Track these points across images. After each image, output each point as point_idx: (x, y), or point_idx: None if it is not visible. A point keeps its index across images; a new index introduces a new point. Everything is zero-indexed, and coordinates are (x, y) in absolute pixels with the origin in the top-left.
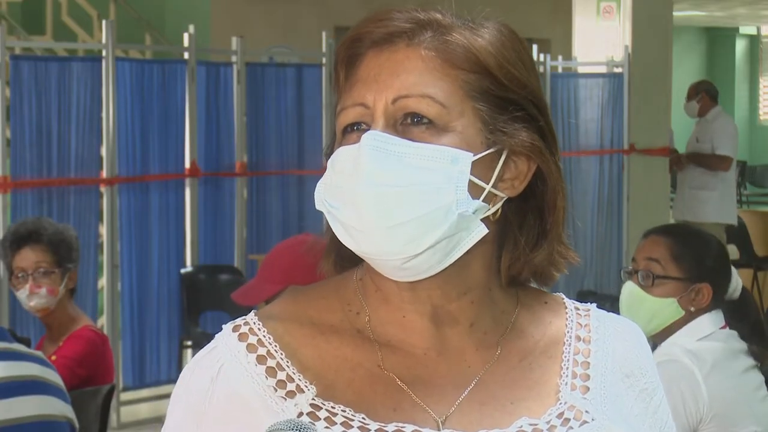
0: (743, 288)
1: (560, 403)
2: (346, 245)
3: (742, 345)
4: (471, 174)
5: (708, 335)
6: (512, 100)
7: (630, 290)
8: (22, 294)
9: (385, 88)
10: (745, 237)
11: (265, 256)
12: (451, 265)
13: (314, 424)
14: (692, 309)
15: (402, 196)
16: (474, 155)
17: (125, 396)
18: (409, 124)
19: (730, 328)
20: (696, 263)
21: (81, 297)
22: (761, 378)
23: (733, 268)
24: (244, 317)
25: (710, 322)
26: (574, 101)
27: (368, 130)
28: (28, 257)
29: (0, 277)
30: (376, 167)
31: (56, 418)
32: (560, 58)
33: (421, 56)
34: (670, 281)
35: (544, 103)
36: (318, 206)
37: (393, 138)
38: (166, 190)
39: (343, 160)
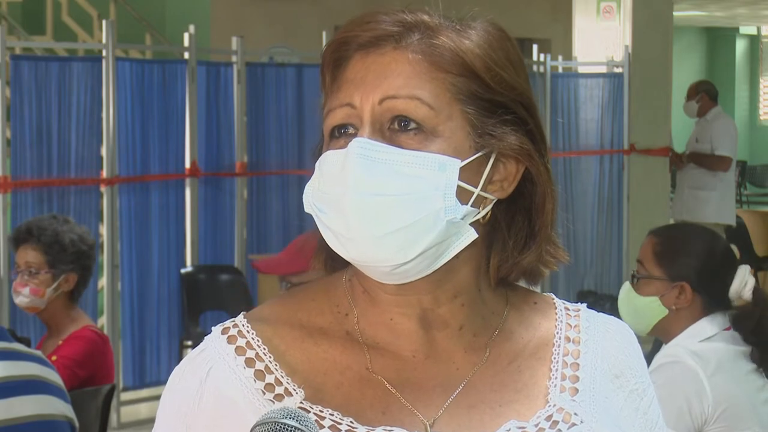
0: (757, 289)
1: (549, 406)
2: (334, 250)
3: (746, 347)
4: (459, 179)
5: (711, 336)
6: (500, 103)
7: (625, 290)
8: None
9: (372, 89)
10: (745, 237)
11: (298, 238)
12: (440, 269)
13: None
14: (674, 307)
15: (390, 204)
16: (462, 161)
17: (125, 396)
18: (396, 129)
19: (736, 330)
20: (674, 262)
21: (81, 297)
22: (764, 381)
23: (742, 268)
24: (233, 319)
25: (713, 324)
26: (574, 101)
27: (355, 135)
28: (21, 255)
29: (0, 277)
30: (363, 176)
31: (56, 417)
32: (560, 58)
33: (408, 59)
34: (653, 280)
35: (534, 104)
36: (307, 209)
37: (380, 145)
38: (166, 190)
39: (330, 164)
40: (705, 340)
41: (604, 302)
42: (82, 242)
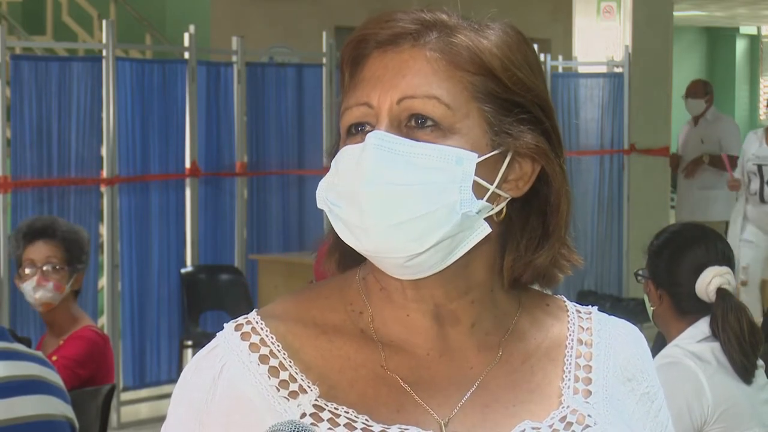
0: (721, 290)
1: (563, 407)
2: (348, 243)
3: None
4: (476, 175)
5: (708, 336)
6: (517, 103)
7: None
8: (27, 286)
9: (390, 88)
10: None
11: None
12: (453, 264)
13: (317, 425)
14: (652, 306)
15: (405, 194)
16: (479, 156)
17: (125, 396)
18: (413, 126)
19: (715, 338)
20: (648, 262)
21: (81, 297)
22: (765, 380)
23: (710, 270)
24: (245, 316)
25: (708, 324)
26: (575, 101)
27: (373, 130)
28: (41, 250)
29: (0, 277)
30: (380, 166)
31: (56, 417)
32: (560, 58)
33: (426, 57)
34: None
35: (550, 105)
36: (320, 204)
37: (398, 138)
38: (166, 190)
39: (346, 159)
40: (703, 340)
41: (604, 302)
42: (89, 243)
